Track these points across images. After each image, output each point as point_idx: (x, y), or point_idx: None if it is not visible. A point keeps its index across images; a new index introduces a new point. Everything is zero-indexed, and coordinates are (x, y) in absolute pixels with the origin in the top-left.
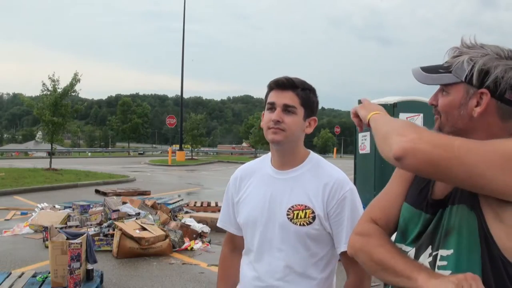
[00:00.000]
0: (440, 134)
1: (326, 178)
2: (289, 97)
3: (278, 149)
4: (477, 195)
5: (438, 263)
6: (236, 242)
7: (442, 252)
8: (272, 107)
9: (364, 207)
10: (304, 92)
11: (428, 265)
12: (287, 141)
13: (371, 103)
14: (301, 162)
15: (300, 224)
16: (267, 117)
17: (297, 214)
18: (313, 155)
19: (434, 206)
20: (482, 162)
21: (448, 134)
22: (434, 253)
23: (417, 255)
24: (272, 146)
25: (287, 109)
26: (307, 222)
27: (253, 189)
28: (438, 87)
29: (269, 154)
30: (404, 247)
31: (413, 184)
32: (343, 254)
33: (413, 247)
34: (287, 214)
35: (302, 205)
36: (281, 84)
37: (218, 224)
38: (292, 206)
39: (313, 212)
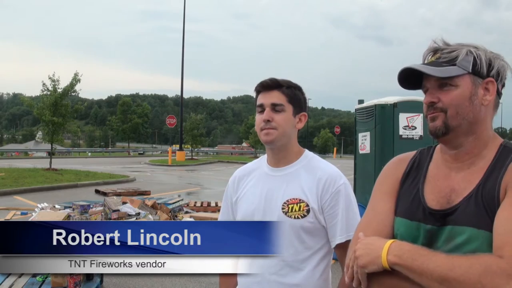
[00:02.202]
0: None
1: (320, 172)
2: (275, 96)
3: (272, 148)
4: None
5: None
6: None
7: None
8: (262, 108)
9: (363, 207)
10: (289, 90)
11: None
12: (280, 139)
13: (362, 245)
14: (296, 159)
15: (294, 217)
16: (258, 119)
17: (292, 207)
18: (308, 153)
19: (434, 216)
20: None
21: (455, 128)
22: None
23: None
24: (267, 146)
25: (275, 108)
26: (302, 215)
27: (250, 187)
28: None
29: (265, 154)
30: None
31: (400, 197)
32: (338, 247)
33: None
34: (282, 208)
35: (296, 199)
36: (266, 85)
37: None
38: (287, 200)
39: (307, 205)
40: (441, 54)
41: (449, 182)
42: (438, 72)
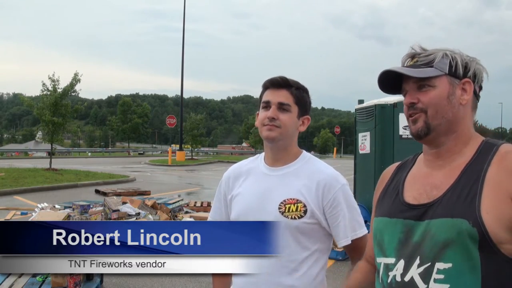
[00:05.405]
0: None
1: (319, 174)
2: (283, 96)
3: (272, 146)
4: (475, 210)
5: (435, 276)
6: None
7: (439, 265)
8: (267, 105)
9: (363, 207)
10: (298, 91)
11: (418, 277)
12: (281, 138)
13: None
14: (293, 160)
15: (291, 218)
16: (262, 115)
17: (289, 207)
18: (306, 154)
19: (411, 211)
20: None
21: (436, 127)
22: (426, 265)
23: (407, 267)
24: (266, 143)
25: (282, 107)
26: (299, 215)
27: (246, 186)
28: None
29: (262, 153)
30: (386, 260)
31: (383, 199)
32: (346, 246)
33: (395, 257)
34: (279, 208)
35: (294, 199)
36: (276, 83)
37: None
38: (284, 200)
39: (304, 206)
40: (418, 58)
41: (429, 179)
42: (415, 73)
